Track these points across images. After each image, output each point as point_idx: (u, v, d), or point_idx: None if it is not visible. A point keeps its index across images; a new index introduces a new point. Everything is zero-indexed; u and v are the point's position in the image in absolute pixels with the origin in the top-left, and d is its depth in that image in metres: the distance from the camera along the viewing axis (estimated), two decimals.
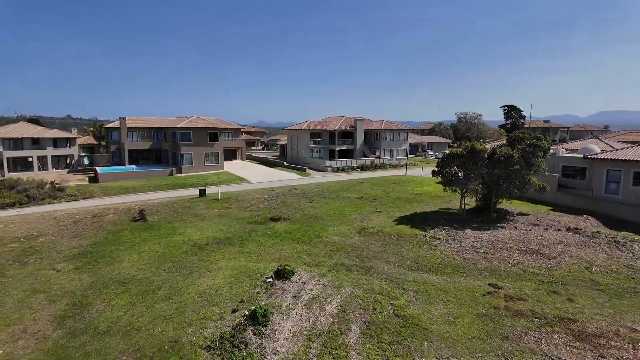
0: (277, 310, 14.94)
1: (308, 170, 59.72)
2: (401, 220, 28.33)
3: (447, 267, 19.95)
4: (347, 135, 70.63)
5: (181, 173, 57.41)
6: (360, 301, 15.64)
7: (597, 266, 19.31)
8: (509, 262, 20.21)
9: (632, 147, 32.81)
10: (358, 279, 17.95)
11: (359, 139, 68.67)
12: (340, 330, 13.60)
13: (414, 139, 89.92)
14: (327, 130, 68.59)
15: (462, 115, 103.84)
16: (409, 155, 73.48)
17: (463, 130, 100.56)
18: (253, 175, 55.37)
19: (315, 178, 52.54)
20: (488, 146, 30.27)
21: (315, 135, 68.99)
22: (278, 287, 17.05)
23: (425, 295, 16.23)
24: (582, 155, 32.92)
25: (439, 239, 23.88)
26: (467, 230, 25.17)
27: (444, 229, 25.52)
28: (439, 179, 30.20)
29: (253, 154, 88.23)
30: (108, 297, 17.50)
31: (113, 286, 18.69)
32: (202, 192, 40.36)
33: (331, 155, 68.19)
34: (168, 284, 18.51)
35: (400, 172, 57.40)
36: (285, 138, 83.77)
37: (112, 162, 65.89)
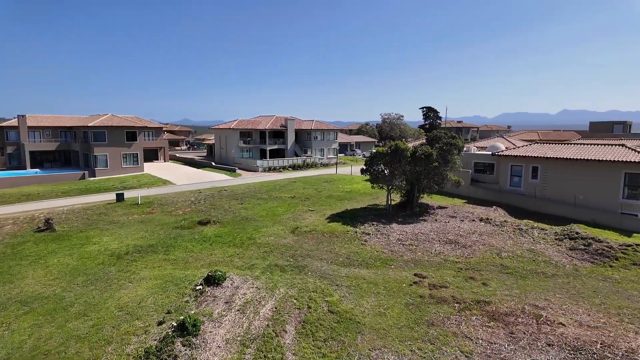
0: (208, 319, 14.26)
1: (238, 171, 58.24)
2: (333, 218, 28.90)
3: (377, 260, 20.79)
4: (278, 134, 70.29)
5: (95, 176, 52.25)
6: (295, 301, 15.58)
7: (505, 252, 21.59)
8: (432, 253, 21.70)
9: (529, 144, 37.33)
10: (292, 278, 17.89)
11: (290, 138, 68.74)
12: (275, 333, 13.41)
13: (343, 138, 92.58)
14: (258, 130, 67.55)
15: (386, 116, 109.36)
16: (339, 155, 75.43)
17: (387, 130, 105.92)
18: (178, 177, 52.41)
19: (246, 178, 51.44)
20: (410, 145, 32.21)
21: (246, 134, 67.54)
22: (209, 294, 16.29)
23: (358, 290, 16.71)
24: (490, 153, 36.60)
25: (369, 234, 24.79)
26: (394, 225, 26.51)
27: (372, 225, 26.56)
28: (367, 177, 31.39)
29: (177, 155, 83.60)
30: (7, 321, 15.22)
31: (13, 307, 16.32)
32: (120, 197, 37.13)
33: (262, 155, 67.31)
34: (82, 300, 16.67)
35: (331, 170, 58.63)
36: (213, 137, 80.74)
37: (9, 166, 57.72)
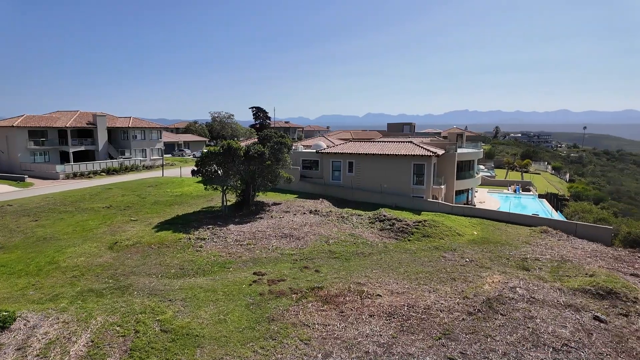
0: None
1: (29, 179, 46.58)
2: (162, 226, 26.24)
3: (215, 265, 19.90)
4: (85, 133, 59.35)
5: None
6: (118, 328, 13.33)
7: (332, 239, 23.90)
8: (269, 249, 22.18)
9: (345, 143, 42.51)
10: (113, 303, 15.28)
11: (102, 137, 59.08)
12: None
13: (169, 137, 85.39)
14: (55, 128, 55.38)
15: (216, 115, 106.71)
16: (165, 155, 69.18)
17: (218, 129, 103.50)
18: None
19: (42, 188, 41.56)
20: (243, 144, 32.16)
21: (38, 133, 54.42)
22: None
23: (194, 301, 15.56)
24: (315, 151, 40.03)
25: (204, 239, 23.54)
26: (231, 226, 25.96)
27: (208, 228, 25.35)
28: (199, 178, 29.77)
29: None
30: None
31: None
32: None
33: (64, 159, 55.62)
34: None
35: (156, 173, 53.25)
36: None
37: None
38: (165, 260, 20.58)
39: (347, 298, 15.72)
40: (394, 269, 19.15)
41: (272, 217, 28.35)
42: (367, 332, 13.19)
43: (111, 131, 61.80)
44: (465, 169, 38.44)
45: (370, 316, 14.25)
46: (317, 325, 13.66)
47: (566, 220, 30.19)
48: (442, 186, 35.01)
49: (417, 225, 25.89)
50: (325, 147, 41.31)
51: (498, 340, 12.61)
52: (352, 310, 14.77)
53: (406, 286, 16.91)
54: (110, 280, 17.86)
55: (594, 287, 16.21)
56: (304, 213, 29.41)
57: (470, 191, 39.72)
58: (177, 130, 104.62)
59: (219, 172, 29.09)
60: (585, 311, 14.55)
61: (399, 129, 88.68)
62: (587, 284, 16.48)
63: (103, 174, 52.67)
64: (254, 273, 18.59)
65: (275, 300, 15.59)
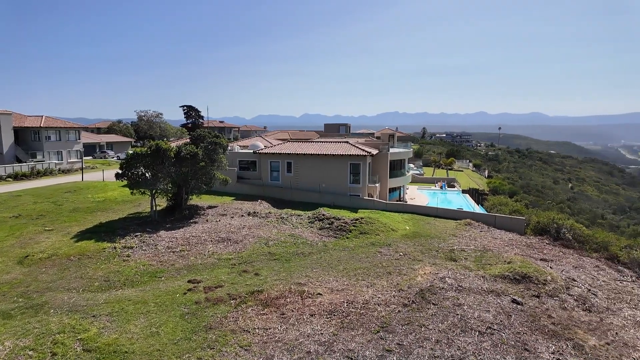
0: None
1: None
2: (83, 236, 23.90)
3: (144, 275, 18.58)
4: None
5: None
6: (30, 352, 11.82)
7: (272, 240, 23.59)
8: (205, 255, 21.26)
9: (283, 143, 42.31)
10: (25, 324, 13.54)
11: (7, 139, 52.30)
12: None
13: (89, 138, 78.21)
14: None
15: (143, 114, 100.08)
16: (84, 158, 63.18)
17: (145, 128, 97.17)
18: None
19: None
20: (173, 145, 30.47)
21: None
22: None
23: (122, 314, 14.36)
24: (252, 151, 39.27)
25: (132, 247, 21.88)
26: (162, 232, 24.45)
27: (136, 236, 23.61)
28: (125, 182, 27.61)
29: None
30: None
31: None
32: None
33: None
34: None
35: (75, 177, 48.40)
36: None
37: None
38: (88, 272, 18.76)
39: (288, 299, 15.60)
40: (333, 267, 19.43)
41: (207, 221, 27.23)
42: (309, 331, 13.20)
43: (19, 132, 55.00)
44: (397, 167, 40.36)
45: (312, 315, 14.29)
46: (257, 330, 13.35)
47: (486, 213, 33.06)
48: (377, 184, 36.40)
49: (355, 222, 26.58)
50: (263, 147, 40.75)
51: (431, 329, 13.36)
52: (293, 311, 14.68)
53: (345, 283, 17.24)
54: (21, 299, 15.82)
55: (511, 273, 17.91)
56: (242, 215, 28.70)
57: (402, 188, 41.81)
58: (98, 131, 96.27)
59: (147, 174, 27.24)
60: (505, 295, 16.02)
61: (336, 130, 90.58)
62: (505, 271, 18.15)
63: (10, 179, 46.63)
64: (189, 281, 17.68)
65: (212, 308, 14.96)
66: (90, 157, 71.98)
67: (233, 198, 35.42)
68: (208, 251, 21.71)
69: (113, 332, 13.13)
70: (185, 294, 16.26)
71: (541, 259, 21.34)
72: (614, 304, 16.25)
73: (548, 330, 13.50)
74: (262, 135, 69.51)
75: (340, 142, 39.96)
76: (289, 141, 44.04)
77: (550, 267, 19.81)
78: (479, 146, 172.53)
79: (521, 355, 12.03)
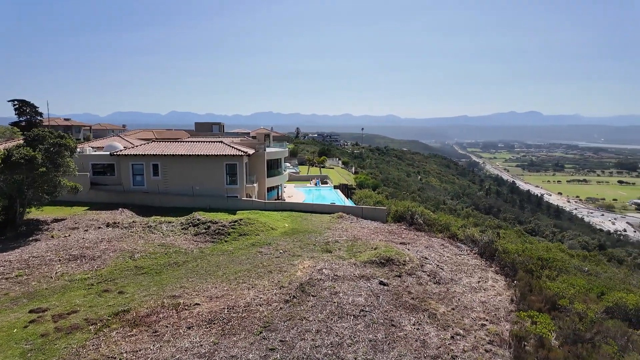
0: None
1: None
2: None
3: None
4: None
5: None
6: None
7: (138, 253, 21.19)
8: (52, 277, 17.86)
9: (147, 143, 38.42)
10: None
11: None
12: None
13: None
14: None
15: None
16: None
17: None
18: None
19: None
20: (1, 147, 24.64)
21: None
22: None
23: None
24: (109, 153, 34.54)
25: None
26: None
27: None
28: None
29: None
30: None
31: None
32: None
33: None
34: None
35: None
36: None
37: None
38: None
39: (161, 315, 14.25)
40: (212, 274, 18.53)
41: (52, 236, 22.94)
42: (186, 345, 12.30)
43: None
44: (274, 166, 40.78)
45: (189, 328, 13.35)
46: (125, 354, 11.84)
47: (355, 205, 36.07)
48: (255, 184, 36.14)
49: (234, 225, 25.86)
50: (123, 148, 36.26)
51: (311, 320, 13.90)
52: (167, 327, 13.47)
53: (225, 288, 16.63)
54: None
55: (377, 257, 19.91)
56: (99, 227, 25.05)
57: (279, 187, 42.46)
58: None
59: None
60: (373, 278, 17.72)
61: (208, 129, 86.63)
62: (372, 256, 20.09)
63: None
64: (31, 311, 14.60)
65: (65, 339, 12.67)
66: None
67: (87, 208, 30.60)
68: (56, 272, 18.28)
69: None
70: (26, 327, 13.38)
71: (400, 243, 24.30)
72: (456, 275, 19.58)
73: (409, 305, 15.46)
74: (120, 134, 61.83)
75: (215, 141, 38.34)
76: (155, 141, 40.21)
77: (408, 249, 22.73)
78: (346, 145, 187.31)
79: (389, 330, 13.49)
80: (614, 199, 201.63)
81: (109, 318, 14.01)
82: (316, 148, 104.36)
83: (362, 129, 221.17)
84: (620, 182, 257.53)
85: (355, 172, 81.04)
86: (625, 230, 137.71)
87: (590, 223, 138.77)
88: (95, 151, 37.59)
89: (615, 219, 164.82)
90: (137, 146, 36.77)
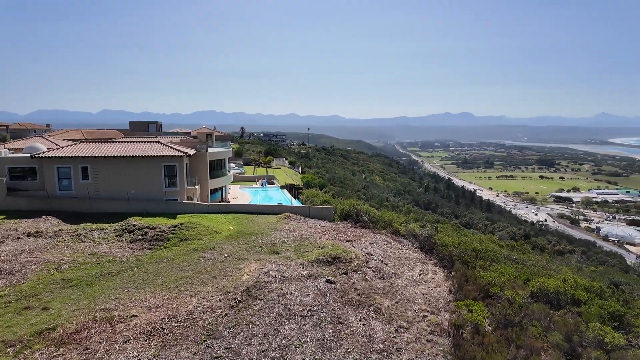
0: None
1: None
2: None
3: None
4: None
5: None
6: None
7: (65, 264, 19.34)
8: None
9: (75, 144, 35.27)
10: None
11: None
12: None
13: None
14: None
15: None
16: None
17: None
18: None
19: None
20: None
21: None
22: None
23: None
24: (29, 155, 31.18)
25: None
26: None
27: None
28: None
29: None
30: None
31: None
32: None
33: None
34: None
35: None
36: None
37: None
38: None
39: (93, 330, 13.10)
40: (150, 282, 17.42)
41: None
42: None
43: None
44: (217, 167, 39.47)
45: (125, 342, 12.41)
46: None
47: (302, 205, 36.06)
48: (197, 186, 34.69)
49: (174, 230, 24.58)
50: (46, 149, 32.93)
51: (258, 324, 13.59)
52: (100, 342, 12.41)
53: (166, 297, 15.72)
54: None
55: (324, 256, 20.02)
56: (18, 238, 22.51)
57: (224, 188, 41.18)
58: None
59: None
60: (321, 277, 17.78)
61: (144, 128, 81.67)
62: (320, 255, 20.18)
63: None
64: None
65: None
66: None
67: (3, 217, 27.36)
68: None
69: None
70: None
71: (347, 240, 24.69)
72: (399, 269, 20.29)
73: (355, 301, 15.72)
74: (44, 135, 56.17)
75: (151, 142, 36.18)
76: (84, 142, 37.01)
77: (354, 247, 23.16)
78: (293, 145, 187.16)
79: (336, 328, 13.60)
80: (536, 193, 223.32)
81: (31, 338, 12.59)
82: (262, 148, 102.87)
83: (309, 128, 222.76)
84: (541, 177, 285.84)
85: (302, 172, 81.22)
86: (545, 221, 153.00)
87: (517, 215, 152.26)
88: (12, 153, 33.78)
89: (537, 210, 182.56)
90: (63, 147, 33.58)
